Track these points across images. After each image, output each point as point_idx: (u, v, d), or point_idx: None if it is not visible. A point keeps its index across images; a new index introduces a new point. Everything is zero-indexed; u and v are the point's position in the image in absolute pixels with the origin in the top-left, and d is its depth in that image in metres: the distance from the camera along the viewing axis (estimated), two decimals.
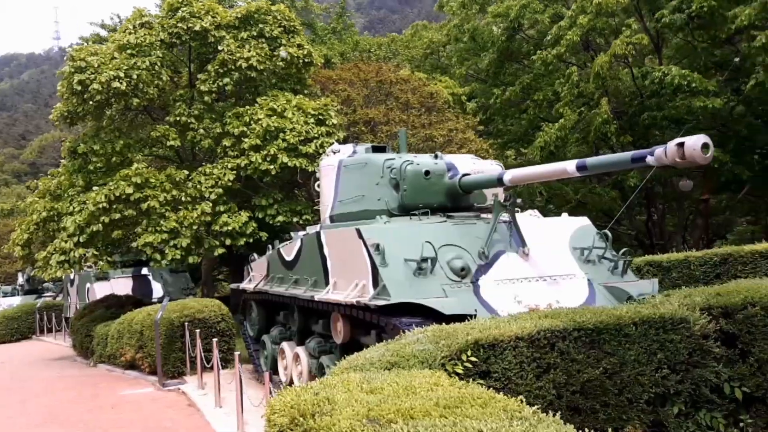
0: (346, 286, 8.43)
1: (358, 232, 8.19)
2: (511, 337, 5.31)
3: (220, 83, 16.89)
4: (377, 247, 7.88)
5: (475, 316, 7.11)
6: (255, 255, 12.75)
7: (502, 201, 8.45)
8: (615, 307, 6.40)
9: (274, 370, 11.44)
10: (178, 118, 16.84)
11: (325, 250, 9.19)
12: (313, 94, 19.09)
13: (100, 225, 15.40)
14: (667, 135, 18.01)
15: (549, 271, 8.40)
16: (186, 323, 12.66)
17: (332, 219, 10.18)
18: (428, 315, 7.17)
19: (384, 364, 5.03)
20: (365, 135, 18.31)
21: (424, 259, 7.69)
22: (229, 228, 15.87)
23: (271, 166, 15.90)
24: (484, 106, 23.03)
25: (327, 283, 9.02)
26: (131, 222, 16.02)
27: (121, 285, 22.86)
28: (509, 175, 8.17)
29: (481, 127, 21.35)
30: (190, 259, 15.78)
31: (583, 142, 18.46)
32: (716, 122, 17.47)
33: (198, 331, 11.77)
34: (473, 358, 5.09)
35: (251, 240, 16.57)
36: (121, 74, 15.62)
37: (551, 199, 20.90)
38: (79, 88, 15.85)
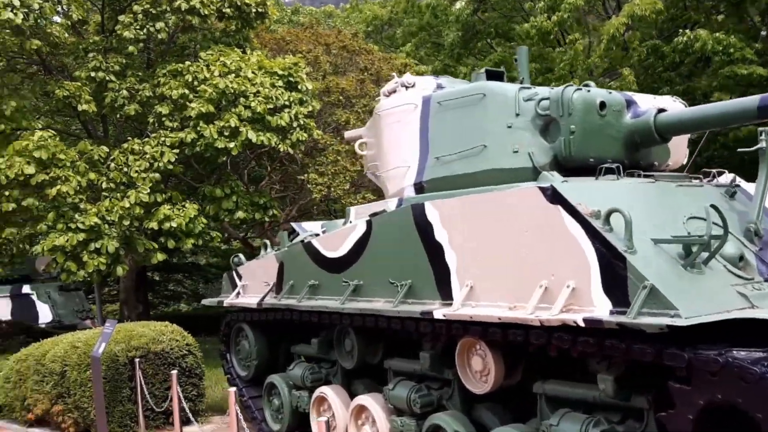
0: (507, 294, 4.75)
1: (552, 192, 4.51)
2: None
3: (151, 29, 12.34)
4: (607, 218, 4.24)
5: None
6: (241, 257, 8.62)
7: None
8: None
9: (300, 429, 7.36)
10: (92, 74, 12.12)
11: (439, 234, 5.39)
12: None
13: None
14: None
15: None
16: (137, 359, 8.24)
17: (421, 188, 6.36)
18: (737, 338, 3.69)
19: None
20: (340, 108, 14.53)
21: (713, 238, 4.15)
22: (173, 225, 11.41)
23: (231, 144, 11.63)
24: None
25: (445, 289, 5.26)
26: (31, 216, 11.21)
27: None
28: None
29: None
30: (119, 270, 11.17)
31: None
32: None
33: (175, 372, 7.47)
34: None
35: (200, 242, 12.20)
36: (15, 1, 10.78)
37: None
38: None
